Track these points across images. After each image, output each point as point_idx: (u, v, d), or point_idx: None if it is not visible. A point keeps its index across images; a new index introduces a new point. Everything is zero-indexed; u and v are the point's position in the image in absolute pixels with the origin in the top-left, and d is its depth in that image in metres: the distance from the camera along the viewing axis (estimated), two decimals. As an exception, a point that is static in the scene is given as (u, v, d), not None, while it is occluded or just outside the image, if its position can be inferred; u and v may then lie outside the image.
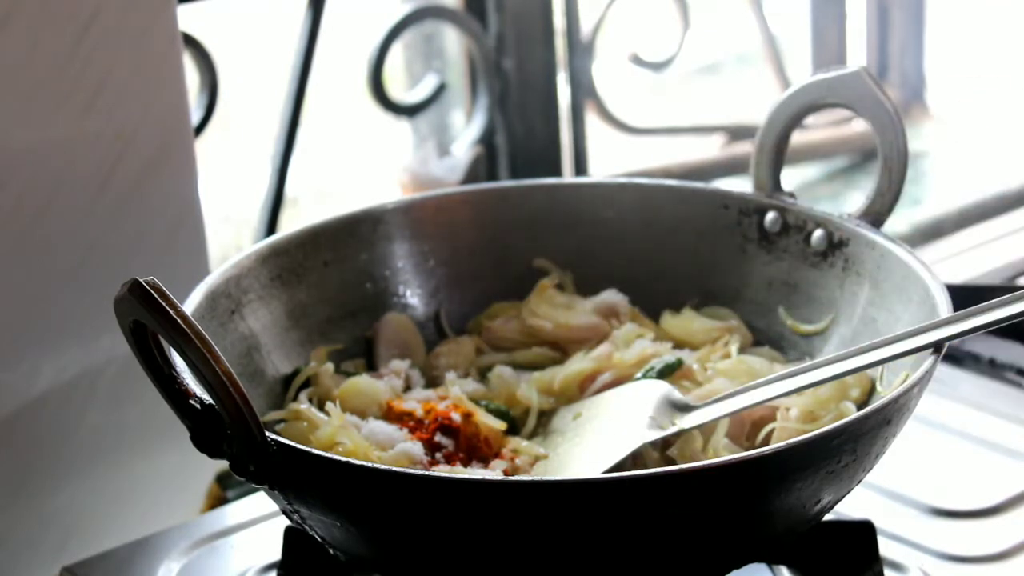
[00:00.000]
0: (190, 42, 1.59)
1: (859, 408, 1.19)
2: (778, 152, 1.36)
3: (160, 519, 1.47)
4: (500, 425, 1.25)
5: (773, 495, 1.04)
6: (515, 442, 1.25)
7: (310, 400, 1.26)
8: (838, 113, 2.36)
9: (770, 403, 1.20)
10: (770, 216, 1.37)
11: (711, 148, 2.35)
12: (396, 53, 1.93)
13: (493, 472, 1.19)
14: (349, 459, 1.02)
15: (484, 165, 1.90)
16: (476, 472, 1.19)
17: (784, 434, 1.20)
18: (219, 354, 1.00)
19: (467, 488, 1.02)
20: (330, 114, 2.13)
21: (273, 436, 1.03)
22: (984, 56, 2.74)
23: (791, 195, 1.38)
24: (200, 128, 1.60)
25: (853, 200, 2.29)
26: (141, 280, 0.99)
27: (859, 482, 1.12)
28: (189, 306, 1.21)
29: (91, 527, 1.46)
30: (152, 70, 1.39)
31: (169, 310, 0.99)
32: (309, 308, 1.34)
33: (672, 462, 1.18)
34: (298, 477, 1.04)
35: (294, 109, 1.75)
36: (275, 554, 1.26)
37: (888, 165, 1.29)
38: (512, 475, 1.20)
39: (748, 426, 1.23)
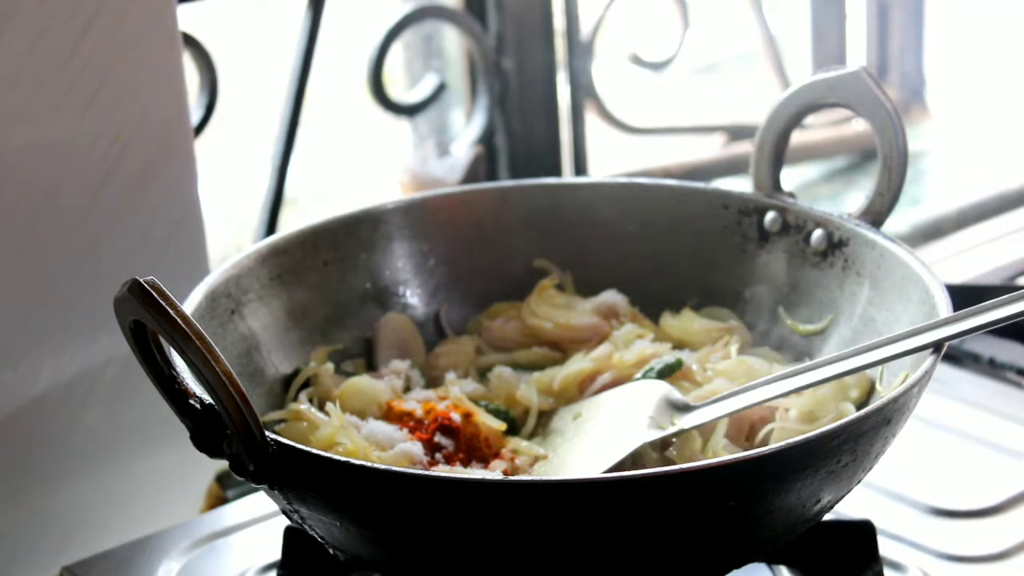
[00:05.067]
0: (190, 42, 1.59)
1: (858, 409, 1.19)
2: (778, 152, 1.36)
3: (160, 519, 1.47)
4: (500, 425, 1.25)
5: (773, 495, 1.04)
6: (515, 442, 1.25)
7: (310, 400, 1.26)
8: (838, 113, 2.36)
9: (769, 403, 1.21)
10: (770, 216, 1.37)
11: (711, 148, 2.35)
12: (396, 53, 1.93)
13: (493, 472, 1.19)
14: (349, 459, 1.02)
15: (484, 165, 1.90)
16: (476, 472, 1.19)
17: (783, 434, 1.20)
18: (219, 354, 1.00)
19: (467, 488, 1.02)
20: (330, 114, 2.13)
21: (273, 436, 1.03)
22: (984, 56, 2.74)
23: (791, 195, 1.37)
24: (200, 128, 1.60)
25: (853, 200, 2.29)
26: (141, 280, 0.99)
27: (859, 482, 1.12)
28: (189, 306, 1.21)
29: (91, 527, 1.46)
30: (152, 70, 1.39)
31: (169, 310, 0.99)
32: (309, 308, 1.34)
33: (671, 462, 1.18)
34: (298, 477, 1.04)
35: (294, 109, 1.75)
36: (275, 554, 1.26)
37: (888, 165, 1.29)
38: (512, 475, 1.20)
39: (747, 427, 1.23)
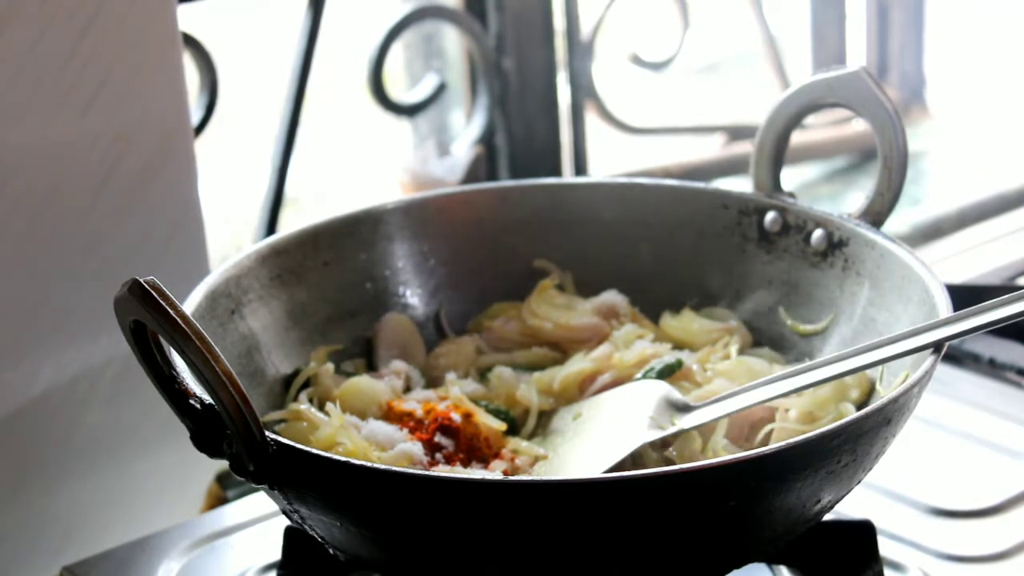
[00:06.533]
0: (190, 42, 1.59)
1: (858, 409, 1.19)
2: (778, 152, 1.36)
3: (160, 519, 1.47)
4: (500, 425, 1.25)
5: (773, 495, 1.04)
6: (515, 442, 1.25)
7: (310, 400, 1.26)
8: (838, 113, 2.36)
9: (769, 404, 1.21)
10: (770, 216, 1.37)
11: (711, 148, 2.35)
12: (396, 53, 1.93)
13: (493, 472, 1.19)
14: (349, 459, 1.02)
15: (484, 165, 1.90)
16: (476, 472, 1.19)
17: (783, 434, 1.20)
18: (219, 354, 1.00)
19: (467, 488, 1.02)
20: (330, 114, 2.13)
21: (273, 436, 1.03)
22: (984, 56, 2.74)
23: (791, 195, 1.37)
24: (200, 128, 1.60)
25: (853, 200, 2.29)
26: (141, 280, 0.99)
27: (859, 482, 1.12)
28: (189, 306, 1.21)
29: (91, 527, 1.46)
30: (152, 70, 1.39)
31: (169, 310, 0.99)
32: (309, 308, 1.34)
33: (671, 462, 1.18)
34: (298, 477, 1.04)
35: (294, 109, 1.75)
36: (275, 554, 1.26)
37: (888, 165, 1.29)
38: (512, 475, 1.20)
39: (747, 427, 1.23)
